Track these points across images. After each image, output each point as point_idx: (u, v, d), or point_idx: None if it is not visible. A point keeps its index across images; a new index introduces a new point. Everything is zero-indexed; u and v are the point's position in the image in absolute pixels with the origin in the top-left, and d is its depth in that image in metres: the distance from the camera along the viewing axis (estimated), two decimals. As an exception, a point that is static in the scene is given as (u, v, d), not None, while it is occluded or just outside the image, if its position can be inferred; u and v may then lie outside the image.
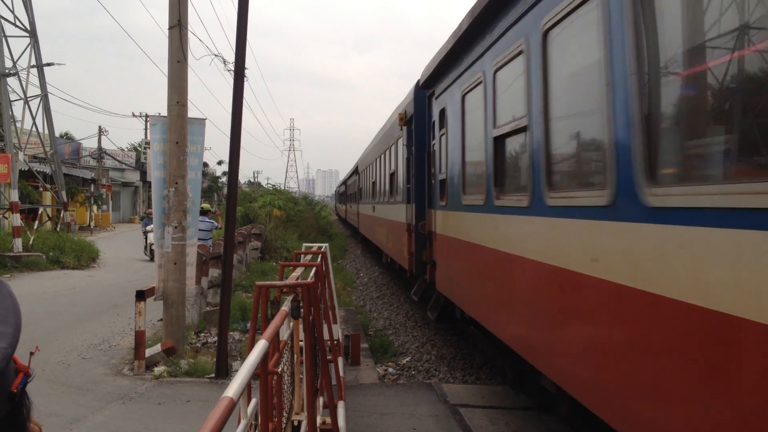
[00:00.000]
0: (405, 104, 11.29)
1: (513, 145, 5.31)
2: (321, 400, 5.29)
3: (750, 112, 2.46)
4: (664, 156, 3.01)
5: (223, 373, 7.72)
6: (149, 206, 25.21)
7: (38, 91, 24.54)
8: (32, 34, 23.91)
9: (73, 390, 7.25)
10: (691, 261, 2.60)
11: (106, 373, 7.97)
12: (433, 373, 8.43)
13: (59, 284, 15.87)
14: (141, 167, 50.41)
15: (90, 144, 47.23)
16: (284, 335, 4.07)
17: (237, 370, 2.52)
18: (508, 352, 5.65)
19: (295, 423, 4.48)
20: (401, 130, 11.38)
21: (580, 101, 4.02)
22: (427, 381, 7.97)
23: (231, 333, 9.34)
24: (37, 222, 24.22)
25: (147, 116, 46.19)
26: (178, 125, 8.51)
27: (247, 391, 2.67)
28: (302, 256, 7.52)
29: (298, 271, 5.78)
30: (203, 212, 13.65)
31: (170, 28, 8.55)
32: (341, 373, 6.51)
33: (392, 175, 13.48)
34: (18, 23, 23.61)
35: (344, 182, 41.53)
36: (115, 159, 50.07)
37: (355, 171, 27.56)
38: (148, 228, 19.73)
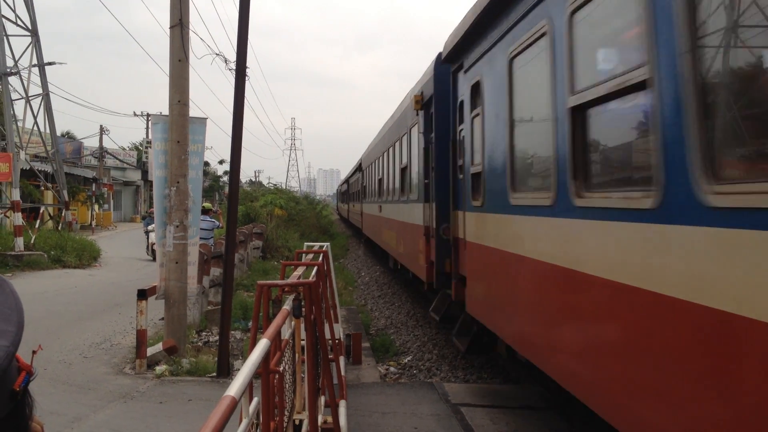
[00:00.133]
0: (422, 83, 9.54)
1: (613, 114, 3.65)
2: (322, 399, 5.29)
3: None
4: None
5: (225, 372, 7.72)
6: (151, 205, 25.27)
7: (40, 90, 24.54)
8: (33, 33, 23.90)
9: (74, 389, 7.26)
10: None
11: (107, 372, 7.98)
12: (434, 372, 8.43)
13: (61, 283, 15.88)
14: (142, 166, 50.41)
15: (91, 143, 47.28)
16: (286, 334, 4.07)
17: (238, 369, 2.52)
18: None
19: (297, 422, 4.48)
20: (416, 115, 9.69)
21: None
22: (428, 380, 7.97)
23: (232, 332, 9.35)
24: (38, 221, 24.25)
25: (148, 115, 46.19)
26: (179, 124, 8.51)
27: (248, 390, 2.67)
28: (303, 255, 7.52)
29: (300, 270, 5.78)
30: (204, 211, 13.65)
31: (171, 27, 8.55)
32: (343, 372, 6.51)
33: (404, 170, 11.79)
34: (19, 22, 23.62)
35: (346, 180, 40.16)
36: (117, 158, 50.12)
37: (359, 168, 26.17)
38: (150, 228, 19.73)
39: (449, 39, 7.33)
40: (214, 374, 7.78)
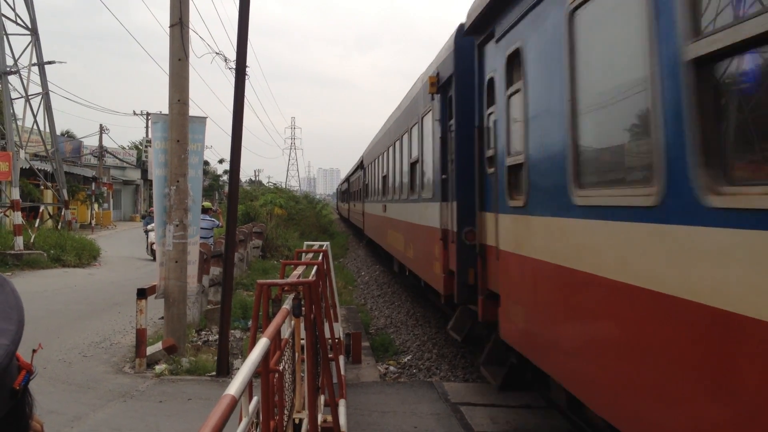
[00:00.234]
0: (439, 62, 8.16)
1: None
2: (322, 399, 5.29)
3: None
4: None
5: (224, 371, 7.73)
6: (150, 205, 25.26)
7: (39, 89, 24.53)
8: (33, 31, 23.89)
9: (74, 388, 7.26)
10: None
11: (107, 371, 7.98)
12: (434, 371, 8.43)
13: (60, 282, 15.88)
14: (142, 165, 50.41)
15: (91, 142, 47.24)
16: (285, 333, 4.08)
17: (238, 369, 2.52)
18: None
19: (297, 421, 4.48)
20: (431, 100, 8.35)
21: None
22: (428, 379, 7.97)
23: (232, 331, 9.35)
24: (38, 220, 24.24)
25: (148, 114, 46.19)
26: (179, 123, 8.51)
27: (248, 389, 2.67)
28: (303, 254, 7.53)
29: (300, 269, 5.79)
30: (204, 210, 13.65)
31: (171, 26, 8.55)
32: (342, 372, 6.51)
33: (414, 165, 10.33)
34: (19, 21, 23.61)
35: (347, 179, 38.63)
36: (116, 157, 50.09)
37: (360, 165, 24.72)
38: (149, 227, 19.72)
39: (474, 5, 6.14)
40: (214, 373, 7.78)
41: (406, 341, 10.28)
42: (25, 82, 23.51)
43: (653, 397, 3.01)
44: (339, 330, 7.86)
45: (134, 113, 49.13)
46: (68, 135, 47.59)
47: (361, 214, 24.71)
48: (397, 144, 12.32)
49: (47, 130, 25.53)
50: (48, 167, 27.84)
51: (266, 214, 28.11)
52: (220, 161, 59.69)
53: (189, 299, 9.22)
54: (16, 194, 20.06)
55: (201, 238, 10.30)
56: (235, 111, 8.00)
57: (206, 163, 45.31)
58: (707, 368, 2.61)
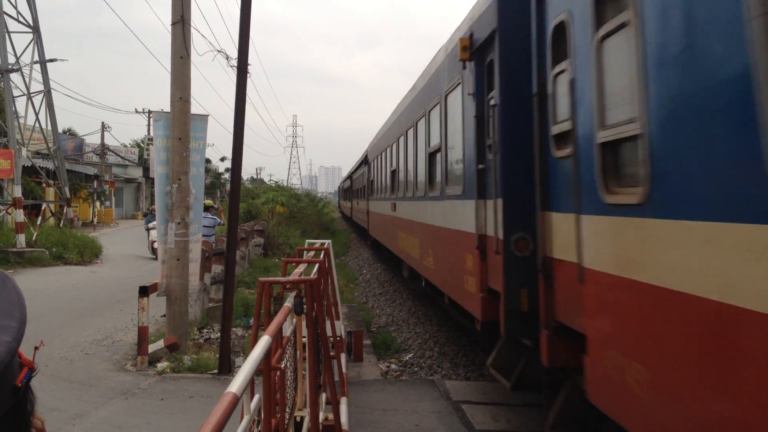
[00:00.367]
0: (473, 19, 6.32)
1: None
2: (323, 396, 5.30)
3: None
4: None
5: (226, 369, 7.73)
6: (152, 202, 25.27)
7: (41, 87, 24.55)
8: (35, 29, 23.90)
9: (76, 385, 7.27)
10: None
11: (109, 368, 7.99)
12: (435, 369, 8.43)
13: (62, 280, 15.90)
14: (144, 163, 50.45)
15: (93, 140, 47.29)
16: (287, 331, 4.08)
17: (240, 366, 2.53)
18: None
19: (298, 419, 4.48)
20: (462, 69, 6.51)
21: None
22: (429, 377, 7.97)
23: (234, 329, 9.36)
24: (40, 218, 24.26)
25: (150, 112, 46.29)
26: (181, 121, 8.51)
27: (250, 387, 2.67)
28: (305, 252, 7.53)
29: (301, 267, 5.80)
30: (206, 208, 13.66)
31: (173, 24, 8.54)
32: (344, 370, 6.52)
33: (434, 155, 8.57)
34: (21, 19, 23.63)
35: (349, 176, 36.48)
36: (118, 155, 50.15)
37: (364, 161, 22.73)
38: (151, 225, 19.72)
39: None
40: (216, 371, 7.79)
41: (408, 339, 10.28)
42: (27, 79, 23.54)
43: None
44: (340, 328, 7.86)
45: (136, 111, 49.17)
46: (70, 133, 47.62)
47: (365, 213, 22.79)
48: (410, 132, 10.58)
49: (49, 127, 25.55)
50: (50, 165, 27.87)
51: (268, 212, 28.13)
52: (222, 159, 59.76)
53: (191, 297, 9.23)
54: (18, 192, 20.08)
55: (203, 236, 10.31)
56: (237, 109, 8.00)
57: (208, 161, 45.38)
58: None
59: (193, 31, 8.78)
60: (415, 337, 10.39)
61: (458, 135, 6.93)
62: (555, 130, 4.48)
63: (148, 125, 47.92)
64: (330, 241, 8.59)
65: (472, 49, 6.21)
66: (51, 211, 27.46)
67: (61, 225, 25.92)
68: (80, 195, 36.33)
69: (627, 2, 3.40)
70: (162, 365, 7.90)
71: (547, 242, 4.62)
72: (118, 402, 6.69)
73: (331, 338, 6.00)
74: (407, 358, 9.12)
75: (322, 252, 7.20)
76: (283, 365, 3.66)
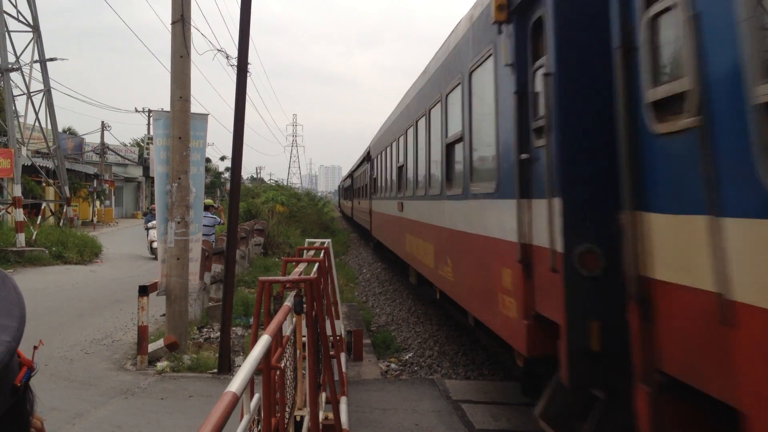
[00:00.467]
0: None
1: None
2: (323, 396, 5.30)
3: None
4: None
5: (226, 368, 7.74)
6: (152, 202, 25.25)
7: (41, 86, 24.55)
8: (35, 29, 23.90)
9: (75, 385, 7.27)
10: None
11: (108, 368, 7.99)
12: (435, 368, 8.43)
13: (62, 279, 15.90)
14: (144, 162, 50.45)
15: (93, 139, 47.29)
16: (287, 331, 4.08)
17: (240, 366, 2.52)
18: None
19: (298, 418, 4.48)
20: (498, 33, 5.20)
21: None
22: (429, 377, 7.97)
23: (234, 328, 9.36)
24: (40, 217, 24.27)
25: (150, 111, 46.28)
26: (181, 120, 8.51)
27: (249, 386, 2.67)
28: (305, 251, 7.53)
29: (301, 266, 5.79)
30: (206, 208, 13.66)
31: (173, 23, 8.54)
32: (344, 369, 6.52)
33: (452, 146, 7.25)
34: (21, 18, 23.63)
35: (350, 174, 35.01)
36: (118, 154, 50.14)
37: (367, 158, 21.37)
38: (150, 224, 19.70)
39: None
40: (215, 370, 7.79)
41: (408, 338, 10.28)
42: (27, 79, 23.55)
43: None
44: (340, 327, 7.86)
45: (136, 110, 49.19)
46: (70, 132, 47.63)
47: (367, 213, 21.50)
48: (422, 123, 9.23)
49: (49, 127, 25.55)
50: (50, 164, 27.87)
51: (268, 211, 28.12)
52: (222, 158, 59.81)
53: (190, 296, 9.23)
54: (18, 191, 20.08)
55: (203, 235, 10.32)
56: (237, 108, 8.00)
57: (208, 160, 45.31)
58: None
59: (193, 30, 8.78)
60: (415, 336, 10.39)
61: (488, 119, 5.58)
62: (656, 94, 3.12)
63: (148, 124, 47.91)
64: (330, 240, 8.59)
65: (510, 7, 4.90)
66: (51, 211, 27.46)
67: (60, 224, 25.93)
68: (80, 194, 36.32)
69: None
70: (162, 364, 7.90)
71: (644, 257, 3.24)
72: (117, 401, 6.69)
73: (331, 337, 6.01)
74: (407, 357, 9.13)
75: (322, 251, 7.20)
76: (282, 364, 3.66)
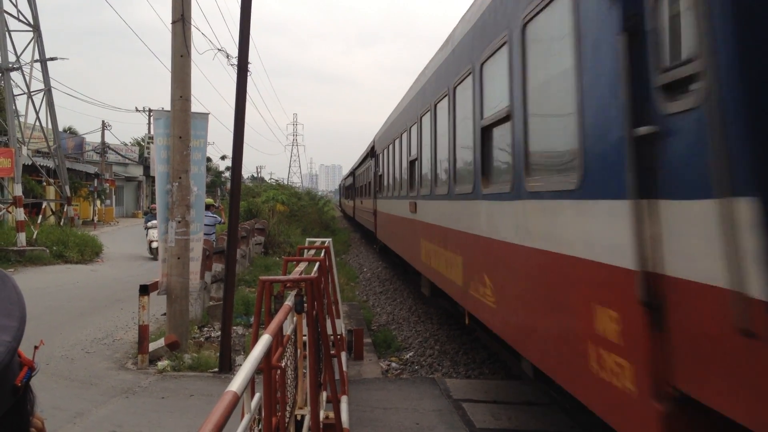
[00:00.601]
0: None
1: None
2: (324, 395, 5.30)
3: None
4: None
5: (227, 367, 7.74)
6: (153, 201, 25.26)
7: (42, 86, 24.57)
8: (35, 28, 23.91)
9: (76, 384, 7.28)
10: None
11: (109, 367, 8.00)
12: (436, 368, 8.43)
13: (63, 278, 15.91)
14: (144, 162, 50.49)
15: (93, 138, 47.33)
16: (288, 330, 4.08)
17: (240, 365, 2.53)
18: None
19: (299, 418, 4.49)
20: None
21: None
22: (430, 376, 7.97)
23: (234, 328, 9.36)
24: (40, 216, 24.28)
25: (150, 111, 46.31)
26: (181, 120, 8.51)
27: (250, 385, 2.67)
28: (305, 250, 7.53)
29: (302, 265, 5.79)
30: (206, 207, 13.65)
31: (173, 22, 8.54)
32: (344, 368, 6.52)
33: (491, 130, 5.58)
34: (21, 18, 23.63)
35: (352, 172, 33.34)
36: (119, 153, 50.16)
37: (371, 153, 19.83)
38: (150, 224, 19.69)
39: None
40: (216, 370, 7.79)
41: (408, 338, 10.28)
42: (27, 78, 23.57)
43: None
44: (341, 326, 7.86)
45: (136, 110, 49.28)
46: (70, 131, 47.67)
47: (371, 214, 19.88)
48: (443, 105, 7.62)
49: (49, 126, 25.57)
50: (50, 164, 27.89)
51: (268, 210, 28.12)
52: (223, 158, 59.78)
53: (191, 296, 9.23)
54: (18, 191, 20.09)
55: (204, 234, 10.32)
56: (237, 107, 8.00)
57: (208, 159, 45.32)
58: None
59: (193, 29, 8.78)
60: (415, 335, 10.39)
61: (560, 83, 3.97)
62: None
63: (149, 123, 47.95)
64: (330, 239, 8.59)
65: None
66: (51, 210, 27.48)
67: (61, 223, 25.95)
68: (81, 193, 36.34)
69: None
70: (162, 364, 7.91)
71: None
72: (118, 400, 6.69)
73: (332, 337, 6.01)
74: (408, 356, 9.13)
75: (323, 250, 7.20)
76: (283, 364, 3.66)
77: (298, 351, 4.55)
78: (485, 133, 5.70)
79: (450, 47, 7.34)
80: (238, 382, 2.16)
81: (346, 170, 54.56)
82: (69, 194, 27.54)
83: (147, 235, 20.76)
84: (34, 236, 20.15)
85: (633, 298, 2.89)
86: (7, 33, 22.04)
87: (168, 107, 8.83)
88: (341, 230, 36.49)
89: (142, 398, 6.81)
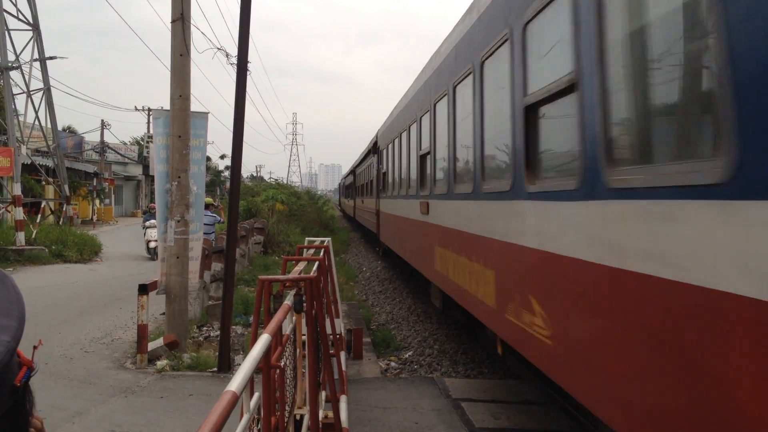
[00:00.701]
0: None
1: None
2: (323, 394, 5.30)
3: None
4: None
5: (226, 367, 7.74)
6: (152, 200, 25.23)
7: (41, 85, 24.54)
8: (35, 27, 23.89)
9: (75, 383, 7.27)
10: None
11: (108, 366, 7.99)
12: (435, 367, 8.43)
13: (62, 278, 15.90)
14: (144, 161, 50.44)
15: (93, 138, 47.26)
16: (287, 329, 4.08)
17: (239, 365, 2.52)
18: None
19: (298, 417, 4.49)
20: None
21: None
22: (429, 375, 7.97)
23: (233, 327, 9.36)
24: (39, 216, 24.30)
25: (150, 110, 46.24)
26: (180, 119, 8.50)
27: (249, 385, 2.67)
28: (305, 250, 7.53)
29: (301, 265, 5.79)
30: (206, 206, 13.63)
31: (173, 21, 8.53)
32: (343, 368, 6.52)
33: (537, 108, 4.32)
34: (21, 17, 23.61)
35: (352, 171, 32.01)
36: (118, 153, 50.11)
37: (373, 149, 18.62)
38: (148, 224, 19.67)
39: None
40: (215, 369, 7.79)
41: (408, 337, 10.28)
42: (26, 77, 23.57)
43: None
44: (340, 326, 7.86)
45: (136, 109, 49.14)
46: (70, 130, 47.63)
47: (373, 214, 18.66)
48: (462, 89, 6.57)
49: (49, 125, 25.55)
50: (49, 163, 27.87)
51: (268, 209, 28.11)
52: (222, 157, 59.79)
53: (190, 295, 9.23)
54: (17, 190, 20.08)
55: (203, 233, 10.31)
56: (237, 106, 7.99)
57: (208, 158, 45.19)
58: None
59: (192, 28, 8.78)
60: (414, 335, 10.40)
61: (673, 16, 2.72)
62: None
63: (148, 123, 47.88)
64: (330, 239, 8.59)
65: None
66: (50, 209, 27.48)
67: (60, 223, 25.93)
68: (80, 193, 36.31)
69: None
70: (161, 363, 7.90)
71: None
72: (117, 400, 6.69)
73: (331, 336, 6.01)
74: (407, 355, 9.12)
75: (322, 250, 7.20)
76: (282, 363, 3.66)
77: (298, 350, 4.55)
78: (530, 113, 4.42)
79: (475, 14, 6.02)
80: (237, 381, 2.16)
81: (345, 170, 54.47)
82: (68, 193, 27.52)
83: (145, 234, 20.75)
84: (33, 235, 20.14)
85: None
86: (6, 32, 22.02)
87: (167, 106, 8.82)
88: (341, 230, 36.48)
89: (141, 398, 6.81)
